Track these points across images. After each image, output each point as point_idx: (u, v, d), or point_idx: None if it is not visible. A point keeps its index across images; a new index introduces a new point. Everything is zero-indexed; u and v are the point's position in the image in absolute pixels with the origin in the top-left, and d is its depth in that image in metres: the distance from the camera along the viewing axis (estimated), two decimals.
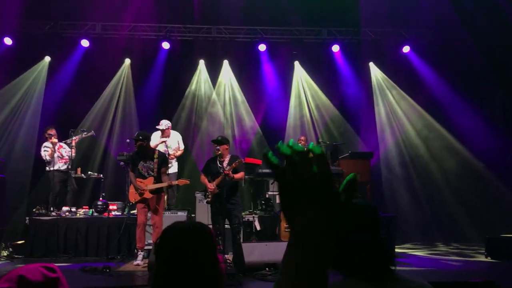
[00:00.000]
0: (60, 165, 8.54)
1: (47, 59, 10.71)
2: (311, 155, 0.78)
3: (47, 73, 10.67)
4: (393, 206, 10.34)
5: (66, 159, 8.63)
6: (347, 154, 9.16)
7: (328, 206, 0.76)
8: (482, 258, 7.49)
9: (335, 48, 10.99)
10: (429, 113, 10.84)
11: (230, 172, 6.64)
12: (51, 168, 8.44)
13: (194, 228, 1.55)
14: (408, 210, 10.40)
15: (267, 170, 8.52)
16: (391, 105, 11.28)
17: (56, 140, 8.49)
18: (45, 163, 8.58)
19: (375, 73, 11.48)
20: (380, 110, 11.38)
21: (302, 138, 9.41)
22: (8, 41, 10.11)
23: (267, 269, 5.89)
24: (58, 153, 8.54)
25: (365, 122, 11.23)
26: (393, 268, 1.62)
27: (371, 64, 11.47)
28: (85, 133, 8.97)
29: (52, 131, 8.51)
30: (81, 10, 9.93)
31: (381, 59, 11.34)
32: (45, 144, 8.57)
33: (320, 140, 9.85)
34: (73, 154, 8.66)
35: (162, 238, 1.54)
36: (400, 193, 10.71)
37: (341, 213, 0.78)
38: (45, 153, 8.52)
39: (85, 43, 10.43)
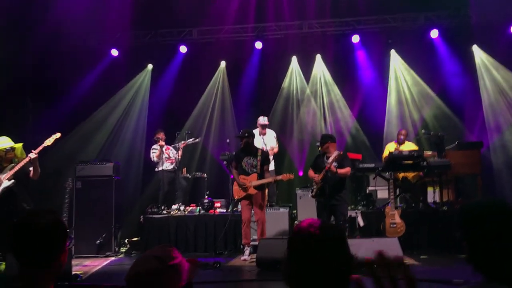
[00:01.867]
0: (167, 165, 9.08)
1: (150, 66, 11.36)
2: None
3: (150, 80, 11.34)
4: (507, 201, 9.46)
5: (172, 159, 9.16)
6: (454, 145, 8.58)
7: None
8: None
9: (434, 33, 10.37)
10: None
11: (332, 166, 6.61)
12: (160, 168, 9.01)
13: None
14: None
15: (368, 165, 8.33)
16: (502, 88, 10.35)
17: (163, 143, 9.03)
18: (154, 164, 9.17)
19: (480, 56, 10.61)
20: (489, 95, 10.43)
21: (403, 132, 9.01)
22: (114, 52, 10.88)
23: (375, 266, 5.74)
24: (165, 154, 9.09)
25: (470, 110, 10.42)
26: None
27: (475, 47, 10.64)
28: (193, 139, 9.43)
29: (160, 135, 9.07)
30: (177, 17, 10.37)
31: (486, 41, 10.41)
32: (154, 146, 9.16)
33: (423, 130, 9.34)
34: (179, 157, 9.16)
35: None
36: None
37: None
38: (153, 154, 9.13)
39: (183, 49, 10.91)
